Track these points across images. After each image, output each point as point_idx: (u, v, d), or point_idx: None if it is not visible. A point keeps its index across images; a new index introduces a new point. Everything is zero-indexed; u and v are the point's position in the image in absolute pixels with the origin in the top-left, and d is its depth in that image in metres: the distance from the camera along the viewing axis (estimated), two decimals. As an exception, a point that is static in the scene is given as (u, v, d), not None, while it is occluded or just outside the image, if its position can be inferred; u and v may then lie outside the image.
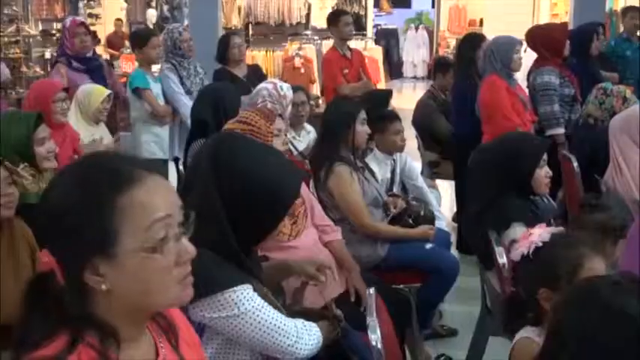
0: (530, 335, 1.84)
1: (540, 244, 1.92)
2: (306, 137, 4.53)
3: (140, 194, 1.15)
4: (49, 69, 9.60)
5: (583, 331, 1.34)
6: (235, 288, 1.83)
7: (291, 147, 3.82)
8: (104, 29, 10.62)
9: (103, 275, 1.13)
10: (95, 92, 4.27)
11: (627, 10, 6.72)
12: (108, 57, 10.30)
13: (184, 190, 2.02)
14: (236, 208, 1.91)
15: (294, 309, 2.16)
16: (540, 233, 1.93)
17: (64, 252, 1.14)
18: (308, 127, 4.66)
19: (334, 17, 6.13)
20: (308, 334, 1.99)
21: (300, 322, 2.00)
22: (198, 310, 1.83)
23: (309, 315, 2.18)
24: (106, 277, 1.13)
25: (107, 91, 4.36)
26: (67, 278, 1.16)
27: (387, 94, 5.17)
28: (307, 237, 2.87)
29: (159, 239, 1.14)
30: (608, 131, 3.69)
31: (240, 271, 1.88)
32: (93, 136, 4.16)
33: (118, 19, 10.72)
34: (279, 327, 1.91)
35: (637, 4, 7.03)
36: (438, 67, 6.29)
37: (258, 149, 2.11)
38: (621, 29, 6.72)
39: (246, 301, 1.83)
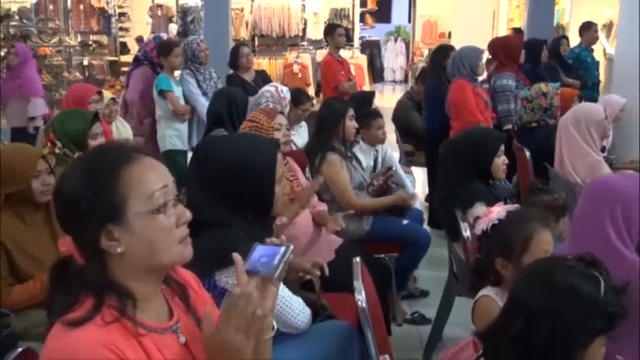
0: (490, 294, 1.85)
1: (497, 222, 1.92)
2: (299, 130, 4.59)
3: (139, 169, 1.18)
4: (86, 74, 9.59)
5: (534, 303, 1.32)
6: None
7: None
8: (133, 41, 10.52)
9: (117, 239, 1.15)
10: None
11: (590, 24, 6.75)
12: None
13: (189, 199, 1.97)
14: (231, 193, 1.88)
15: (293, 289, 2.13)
16: (498, 211, 1.94)
17: (82, 228, 1.15)
18: (301, 124, 4.74)
19: (331, 29, 6.15)
20: (307, 313, 1.98)
21: (300, 300, 1.98)
22: (223, 277, 1.81)
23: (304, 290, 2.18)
24: (120, 241, 1.15)
25: (110, 95, 4.30)
26: (86, 251, 1.17)
27: (371, 95, 5.18)
28: (303, 217, 2.89)
29: (161, 204, 1.17)
30: (558, 125, 3.69)
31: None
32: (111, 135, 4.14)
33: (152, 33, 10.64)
34: (287, 300, 1.90)
35: (582, 20, 7.10)
36: (419, 75, 6.28)
37: (230, 138, 2.06)
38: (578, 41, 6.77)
39: None
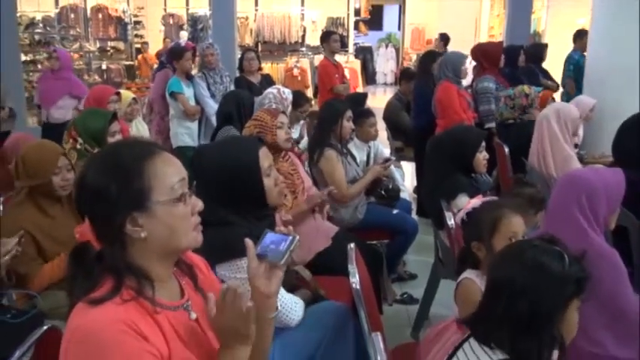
0: (471, 276, 1.86)
1: (471, 210, 1.93)
2: (297, 127, 4.59)
3: (161, 163, 1.18)
4: (105, 77, 9.55)
5: (512, 284, 1.34)
6: None
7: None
8: (147, 47, 10.48)
9: (141, 225, 1.15)
10: (123, 97, 4.09)
11: (584, 32, 6.48)
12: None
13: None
14: (226, 194, 1.86)
15: (291, 282, 2.10)
16: (475, 202, 1.94)
17: (109, 215, 1.15)
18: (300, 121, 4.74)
19: (326, 36, 6.10)
20: (299, 308, 1.97)
21: (295, 297, 1.97)
22: (222, 270, 1.81)
23: (298, 285, 2.17)
24: (143, 227, 1.16)
25: (132, 95, 4.29)
26: (108, 237, 1.17)
27: (364, 96, 5.17)
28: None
29: (181, 194, 1.18)
30: (537, 119, 3.68)
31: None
32: (130, 132, 4.12)
33: (166, 39, 10.60)
34: (279, 298, 1.88)
35: (557, 28, 7.08)
36: (403, 76, 6.29)
37: (216, 145, 2.03)
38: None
39: None
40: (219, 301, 1.18)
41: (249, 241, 1.23)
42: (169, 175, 1.18)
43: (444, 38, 8.95)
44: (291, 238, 1.26)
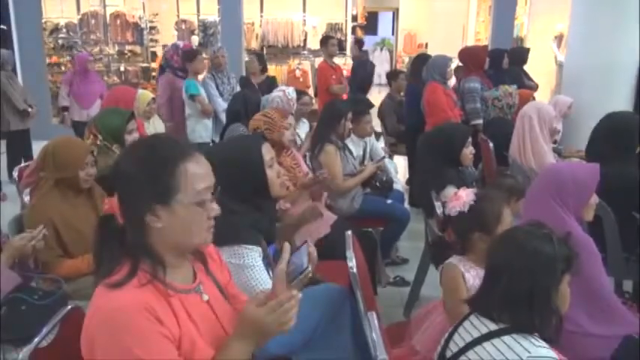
0: (454, 261, 1.85)
1: (472, 202, 1.89)
2: (302, 126, 4.55)
3: (194, 165, 1.17)
4: (123, 78, 9.52)
5: (510, 268, 1.35)
6: (248, 245, 1.76)
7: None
8: (161, 50, 10.42)
9: (159, 217, 1.15)
10: (142, 96, 4.06)
11: None
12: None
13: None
14: (233, 185, 1.83)
15: None
16: (467, 194, 1.90)
17: (133, 200, 1.15)
18: (303, 119, 4.67)
19: (325, 40, 6.06)
20: None
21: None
22: (221, 253, 1.80)
23: None
24: (161, 219, 1.15)
25: (151, 95, 4.26)
26: (131, 218, 1.16)
27: (369, 102, 5.15)
28: (302, 198, 2.89)
29: (202, 199, 1.17)
30: (519, 114, 3.67)
31: (258, 235, 1.81)
32: (147, 129, 4.09)
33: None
34: (264, 287, 1.78)
35: (538, 32, 7.02)
36: (391, 76, 6.31)
37: (223, 143, 2.02)
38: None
39: (252, 258, 1.76)
40: (274, 304, 1.16)
41: (287, 245, 1.26)
42: (197, 180, 1.17)
43: (358, 42, 8.95)
44: (305, 267, 1.25)
